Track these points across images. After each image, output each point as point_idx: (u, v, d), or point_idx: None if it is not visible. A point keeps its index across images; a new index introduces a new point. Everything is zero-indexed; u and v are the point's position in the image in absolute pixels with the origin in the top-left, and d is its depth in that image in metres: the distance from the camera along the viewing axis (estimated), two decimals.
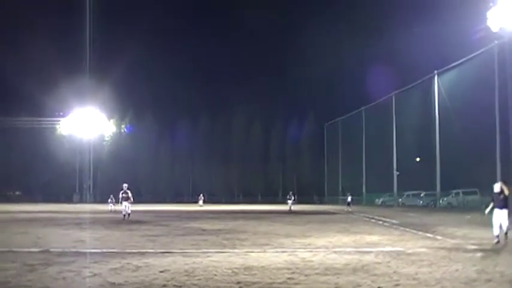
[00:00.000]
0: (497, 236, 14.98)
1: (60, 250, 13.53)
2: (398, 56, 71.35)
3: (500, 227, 15.08)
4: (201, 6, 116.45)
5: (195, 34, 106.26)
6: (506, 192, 15.26)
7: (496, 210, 15.11)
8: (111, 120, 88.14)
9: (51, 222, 26.03)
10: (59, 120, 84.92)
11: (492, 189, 15.86)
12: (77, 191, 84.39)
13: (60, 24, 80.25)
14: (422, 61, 60.37)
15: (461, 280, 9.27)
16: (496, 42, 41.07)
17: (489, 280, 9.31)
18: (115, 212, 36.49)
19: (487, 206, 15.81)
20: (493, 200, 15.43)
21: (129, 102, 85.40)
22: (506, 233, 15.07)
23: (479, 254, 13.18)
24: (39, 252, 13.19)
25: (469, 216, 16.02)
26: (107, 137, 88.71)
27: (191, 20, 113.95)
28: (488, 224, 16.04)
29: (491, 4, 39.15)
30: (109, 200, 42.35)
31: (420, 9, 68.93)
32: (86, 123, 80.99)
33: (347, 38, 77.38)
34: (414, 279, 9.40)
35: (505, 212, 15.04)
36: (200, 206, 57.55)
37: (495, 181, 39.09)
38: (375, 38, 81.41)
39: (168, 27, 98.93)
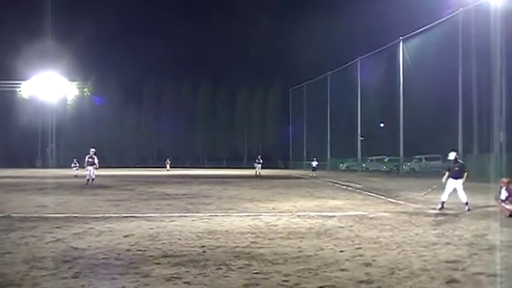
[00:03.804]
0: (443, 203, 15.25)
1: (23, 215, 13.34)
2: (364, 21, 71.48)
3: (454, 194, 15.30)
4: None
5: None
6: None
7: (451, 180, 15.33)
8: (74, 84, 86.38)
9: (13, 188, 25.66)
10: (20, 83, 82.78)
11: (447, 156, 16.12)
12: (40, 155, 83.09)
13: None
14: (388, 27, 60.59)
15: (422, 244, 9.43)
16: (460, 9, 41.36)
17: (448, 243, 9.50)
18: (79, 176, 35.96)
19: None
20: (448, 170, 15.64)
21: (92, 65, 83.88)
22: (466, 203, 15.28)
23: (440, 218, 13.45)
24: (0, 217, 13.02)
25: (429, 190, 16.19)
26: (70, 101, 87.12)
27: None
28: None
29: None
30: (72, 165, 41.63)
31: None
32: (48, 86, 79.35)
33: (314, 3, 77.07)
34: (376, 242, 9.53)
35: (459, 181, 15.24)
36: (167, 171, 57.84)
37: (457, 147, 39.62)
38: (341, 2, 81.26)
39: None
